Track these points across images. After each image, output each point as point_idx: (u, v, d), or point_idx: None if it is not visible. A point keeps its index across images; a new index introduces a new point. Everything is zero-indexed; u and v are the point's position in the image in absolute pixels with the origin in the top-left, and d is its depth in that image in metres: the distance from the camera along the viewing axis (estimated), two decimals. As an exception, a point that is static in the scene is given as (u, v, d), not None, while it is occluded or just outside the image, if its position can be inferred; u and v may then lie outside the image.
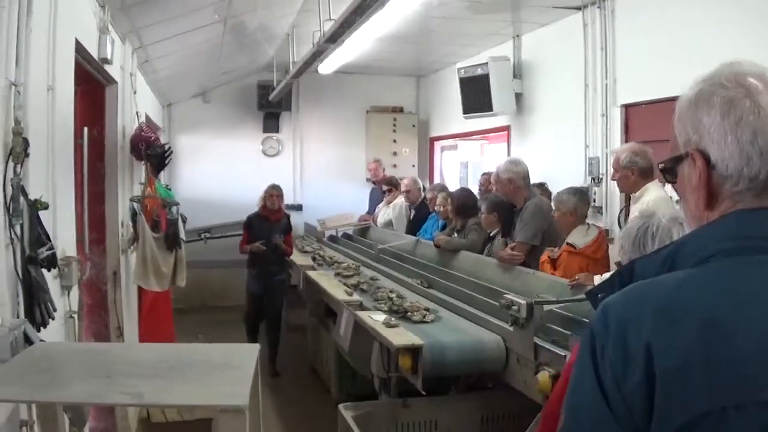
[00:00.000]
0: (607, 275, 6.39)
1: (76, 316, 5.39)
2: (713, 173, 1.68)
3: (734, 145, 1.63)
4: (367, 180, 15.63)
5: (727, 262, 1.61)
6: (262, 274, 11.44)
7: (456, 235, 9.49)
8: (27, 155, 4.13)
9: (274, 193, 11.62)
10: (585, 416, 1.60)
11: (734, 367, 1.49)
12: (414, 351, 5.81)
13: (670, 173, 1.82)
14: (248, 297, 11.74)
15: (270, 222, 11.44)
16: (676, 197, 6.72)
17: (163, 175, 9.93)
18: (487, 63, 11.21)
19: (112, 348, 5.35)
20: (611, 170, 7.16)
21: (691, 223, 1.80)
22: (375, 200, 14.21)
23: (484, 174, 11.15)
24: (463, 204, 9.40)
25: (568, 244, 7.31)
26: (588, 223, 7.60)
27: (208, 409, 2.88)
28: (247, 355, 3.34)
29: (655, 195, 6.52)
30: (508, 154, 11.92)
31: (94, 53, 6.31)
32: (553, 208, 7.67)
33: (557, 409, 3.11)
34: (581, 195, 7.64)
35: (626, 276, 1.82)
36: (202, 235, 13.55)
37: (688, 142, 1.73)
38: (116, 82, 7.45)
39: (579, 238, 7.33)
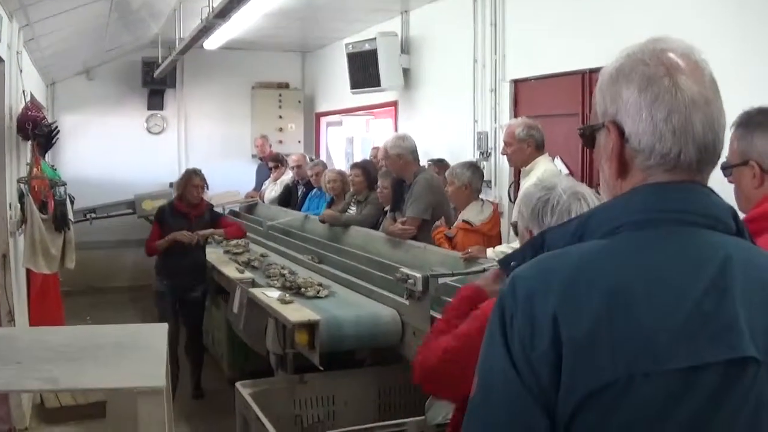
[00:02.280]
0: (500, 247, 6.52)
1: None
2: (626, 146, 1.71)
3: (648, 121, 1.66)
4: (253, 156, 15.53)
5: (635, 234, 1.65)
6: (178, 286, 8.93)
7: (356, 208, 9.49)
8: None
9: (197, 182, 9.07)
10: (495, 383, 1.62)
11: (641, 336, 1.53)
12: (310, 327, 5.84)
13: (588, 140, 1.86)
14: (160, 311, 9.06)
15: (189, 219, 9.06)
16: (565, 171, 6.88)
17: (47, 155, 9.71)
18: (375, 38, 11.22)
19: (18, 332, 5.24)
20: (502, 144, 7.22)
21: (605, 191, 1.84)
22: (262, 177, 14.14)
23: (374, 147, 11.17)
24: (375, 177, 9.40)
25: (464, 221, 7.38)
26: (482, 199, 7.68)
27: (126, 392, 2.84)
28: (155, 334, 3.32)
29: (546, 168, 6.64)
30: (396, 129, 11.98)
31: (-19, 32, 6.16)
32: (447, 182, 7.69)
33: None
34: (475, 169, 7.71)
35: (537, 246, 1.84)
36: (88, 215, 13.22)
37: (605, 113, 1.76)
38: (3, 61, 7.26)
39: (474, 214, 7.39)
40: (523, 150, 6.81)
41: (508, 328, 1.62)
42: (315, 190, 11.48)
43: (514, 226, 3.43)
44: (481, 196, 7.73)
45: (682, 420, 1.52)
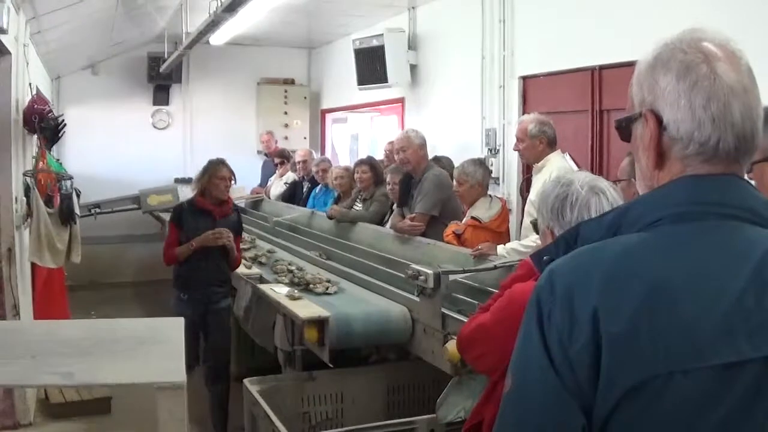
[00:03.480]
0: (510, 245, 6.48)
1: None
2: (664, 134, 1.70)
3: (687, 108, 1.65)
4: (258, 152, 15.54)
5: (675, 228, 1.63)
6: (200, 300, 7.55)
7: (361, 205, 9.46)
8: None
9: (225, 174, 7.71)
10: (531, 379, 1.61)
11: (681, 332, 1.51)
12: (320, 323, 5.80)
13: (624, 132, 1.84)
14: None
15: (213, 218, 7.65)
16: (575, 168, 6.85)
17: (53, 149, 9.68)
18: (382, 34, 11.20)
19: (30, 326, 5.20)
20: (514, 141, 7.18)
21: (641, 183, 1.82)
22: (267, 173, 14.13)
23: (389, 142, 11.11)
24: (381, 173, 9.38)
25: (472, 218, 7.33)
26: (491, 195, 7.64)
27: (143, 387, 2.79)
28: (171, 329, 3.27)
29: (559, 165, 6.60)
30: (402, 126, 11.94)
31: (-10, 23, 6.11)
32: (456, 181, 7.62)
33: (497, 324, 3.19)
34: (484, 166, 7.70)
35: (571, 239, 1.82)
36: (92, 210, 13.20)
37: (642, 102, 1.75)
38: (10, 53, 7.22)
39: (483, 211, 7.36)
40: (536, 146, 6.79)
41: (545, 324, 1.60)
42: (320, 187, 11.45)
43: (534, 224, 3.41)
44: (489, 193, 7.69)
45: (720, 416, 1.50)
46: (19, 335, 3.45)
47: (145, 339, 3.21)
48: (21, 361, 2.92)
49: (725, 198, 1.66)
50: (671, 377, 1.49)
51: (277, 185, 13.08)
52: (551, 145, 6.80)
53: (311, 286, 6.80)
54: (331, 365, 5.84)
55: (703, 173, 1.67)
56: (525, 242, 6.29)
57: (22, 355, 2.98)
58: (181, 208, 7.92)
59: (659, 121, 1.70)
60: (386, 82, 11.31)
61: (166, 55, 13.53)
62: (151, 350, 3.07)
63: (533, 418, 1.60)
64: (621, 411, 1.52)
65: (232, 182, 7.92)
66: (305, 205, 11.45)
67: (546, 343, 1.59)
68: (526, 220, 6.69)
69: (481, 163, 7.71)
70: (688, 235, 1.62)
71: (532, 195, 6.63)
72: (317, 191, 11.54)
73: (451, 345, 4.93)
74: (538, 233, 3.44)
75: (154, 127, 15.73)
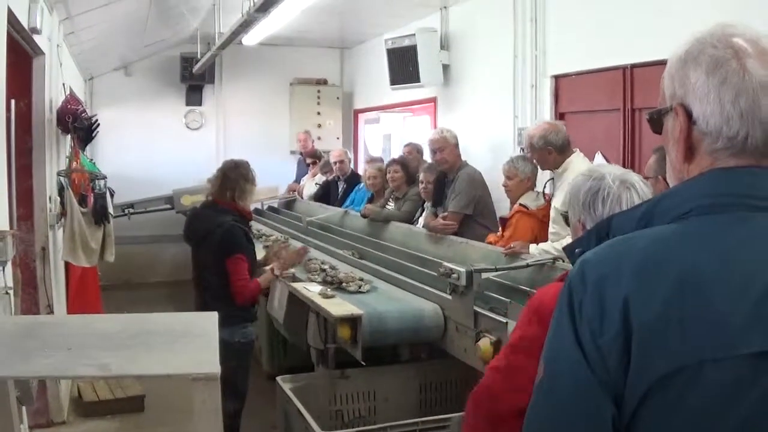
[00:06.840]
0: (543, 245, 6.46)
1: (11, 292, 5.26)
2: (694, 128, 1.72)
3: (716, 103, 1.66)
4: (292, 152, 15.59)
5: (705, 219, 1.64)
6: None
7: (394, 205, 9.49)
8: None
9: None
10: (562, 369, 1.62)
11: (711, 321, 1.51)
12: (353, 321, 5.81)
13: (655, 124, 1.86)
14: (244, 370, 6.85)
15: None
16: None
17: (86, 149, 9.74)
18: (414, 34, 11.20)
19: (66, 319, 5.23)
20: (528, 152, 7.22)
21: (672, 175, 1.84)
22: (302, 172, 14.19)
23: (407, 145, 11.15)
24: (413, 172, 9.43)
25: (520, 205, 7.32)
26: (537, 191, 7.63)
27: (180, 378, 2.79)
28: (206, 323, 3.29)
29: (582, 167, 6.56)
30: (435, 125, 11.94)
31: (24, 23, 6.15)
32: (506, 176, 7.61)
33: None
34: (532, 162, 7.70)
35: (603, 231, 1.83)
36: (126, 210, 13.30)
37: (673, 96, 1.77)
38: (44, 54, 7.27)
39: (531, 201, 7.37)
40: (546, 157, 6.79)
41: (576, 314, 1.62)
42: (359, 187, 11.50)
43: (566, 217, 3.41)
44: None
45: (751, 406, 1.50)
46: (54, 328, 3.47)
47: (180, 333, 3.23)
48: (57, 354, 2.94)
49: (752, 190, 1.66)
50: (701, 367, 1.50)
51: (309, 185, 13.12)
52: (562, 150, 6.74)
53: (344, 284, 6.82)
54: (363, 363, 5.86)
55: (731, 165, 1.69)
56: (557, 245, 6.25)
57: (59, 348, 3.01)
58: (240, 233, 6.78)
59: (689, 115, 1.72)
60: (418, 81, 11.31)
61: (199, 56, 13.56)
62: (186, 343, 3.09)
63: (564, 408, 1.61)
64: (650, 400, 1.53)
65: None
66: (341, 206, 11.47)
67: (577, 333, 1.60)
68: (551, 227, 6.65)
69: (528, 159, 7.72)
70: (718, 226, 1.63)
71: (557, 203, 6.55)
72: (359, 187, 11.58)
73: (484, 343, 4.97)
74: (569, 225, 3.44)
75: (187, 127, 15.80)
